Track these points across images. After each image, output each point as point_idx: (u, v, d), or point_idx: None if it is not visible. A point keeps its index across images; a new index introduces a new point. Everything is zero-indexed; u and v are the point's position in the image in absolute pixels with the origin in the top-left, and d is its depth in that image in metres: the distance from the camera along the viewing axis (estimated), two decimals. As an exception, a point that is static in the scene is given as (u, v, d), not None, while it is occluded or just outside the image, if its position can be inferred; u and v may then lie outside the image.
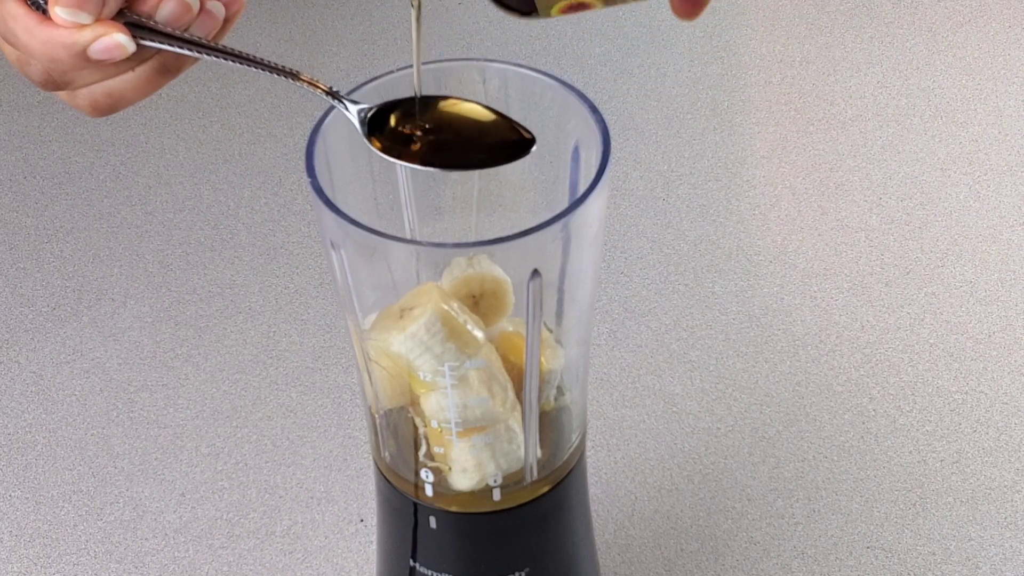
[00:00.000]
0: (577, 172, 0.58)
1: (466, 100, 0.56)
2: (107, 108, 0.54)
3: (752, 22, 1.27)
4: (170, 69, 0.53)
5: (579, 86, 0.57)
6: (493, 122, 0.55)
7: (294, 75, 0.53)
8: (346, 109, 0.54)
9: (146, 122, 1.16)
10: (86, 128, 1.16)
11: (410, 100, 0.56)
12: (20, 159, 1.13)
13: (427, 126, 0.55)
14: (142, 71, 0.53)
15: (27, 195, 1.09)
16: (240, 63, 0.52)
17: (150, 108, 1.17)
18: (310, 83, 0.53)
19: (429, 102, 0.56)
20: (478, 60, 0.58)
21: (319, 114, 0.57)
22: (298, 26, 1.27)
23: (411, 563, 0.65)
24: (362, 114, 0.54)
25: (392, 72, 0.57)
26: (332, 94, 0.54)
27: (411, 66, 0.56)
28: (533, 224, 0.52)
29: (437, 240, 0.62)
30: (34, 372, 0.95)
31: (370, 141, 0.54)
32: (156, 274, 1.02)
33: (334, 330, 0.96)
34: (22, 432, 0.90)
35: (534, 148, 0.54)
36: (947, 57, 1.21)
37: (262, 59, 0.53)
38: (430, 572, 0.65)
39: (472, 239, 0.60)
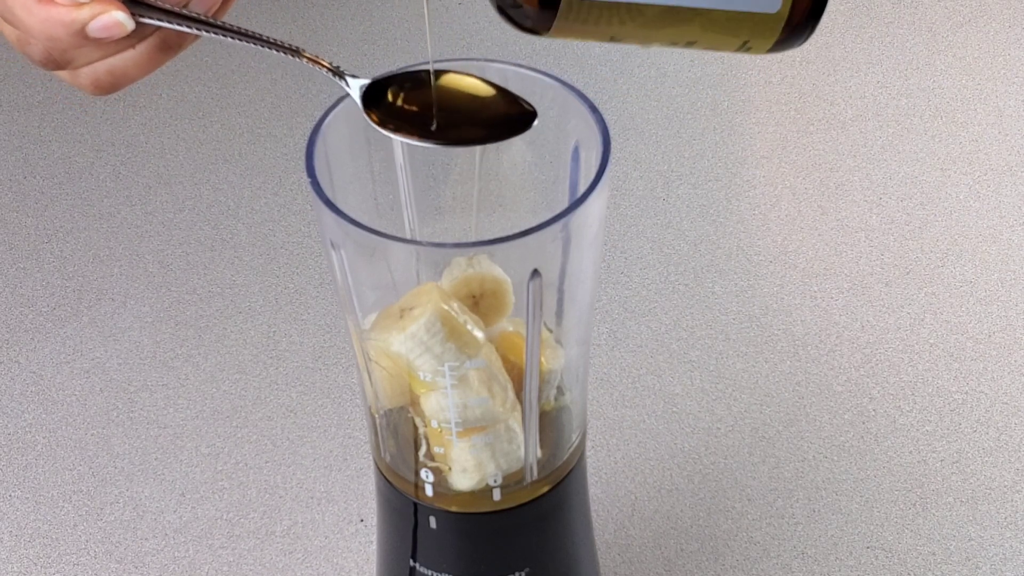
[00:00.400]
0: (577, 172, 0.58)
1: (467, 75, 0.55)
2: (109, 86, 0.53)
3: (752, 22, 1.27)
4: (171, 46, 0.53)
5: (579, 86, 0.57)
6: (493, 97, 0.55)
7: (296, 51, 0.53)
8: (347, 85, 0.54)
9: (146, 122, 1.16)
10: (86, 128, 1.16)
11: (410, 74, 0.55)
12: (20, 159, 1.13)
13: (428, 102, 0.55)
14: (143, 48, 0.52)
15: (27, 195, 1.09)
16: (240, 39, 0.52)
17: (150, 108, 1.17)
18: (312, 60, 0.53)
19: (428, 77, 0.56)
20: (478, 60, 0.58)
21: (319, 114, 0.57)
22: (298, 26, 1.27)
23: (411, 563, 0.65)
24: (363, 89, 0.54)
25: (392, 72, 0.57)
26: (334, 71, 0.54)
27: (415, 65, 0.56)
28: (533, 224, 0.52)
29: (437, 240, 0.62)
30: (34, 372, 0.95)
31: (369, 116, 0.54)
32: (156, 274, 1.02)
33: (334, 330, 0.96)
34: (22, 432, 0.90)
35: (536, 122, 0.54)
36: (947, 57, 1.21)
37: (263, 35, 0.52)
38: (430, 572, 0.65)
39: (472, 239, 0.60)
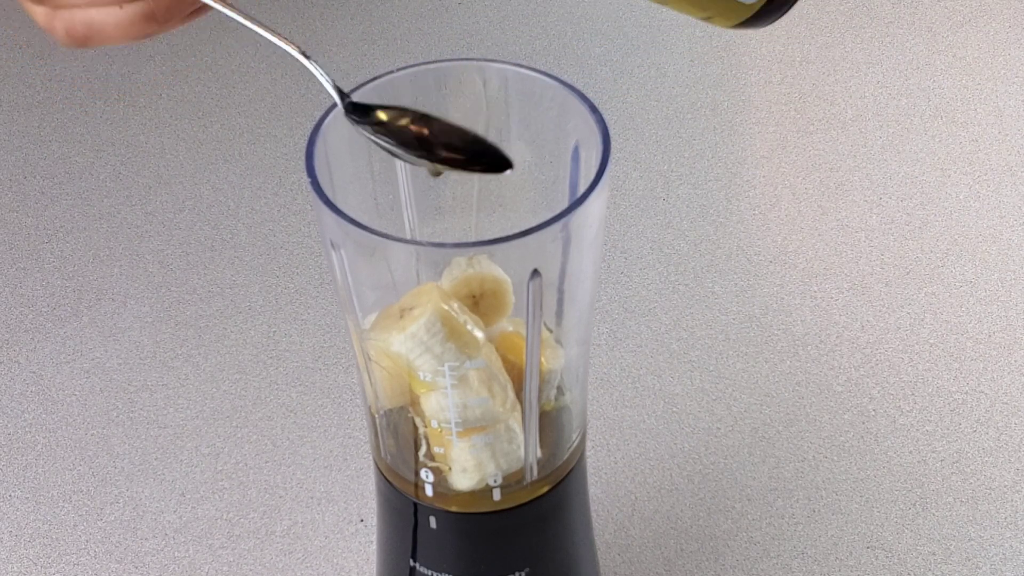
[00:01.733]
0: (577, 172, 0.58)
1: (452, 124, 0.55)
2: (82, 39, 0.52)
3: (752, 22, 1.27)
4: (157, 18, 0.52)
5: (579, 86, 0.57)
6: (475, 140, 0.55)
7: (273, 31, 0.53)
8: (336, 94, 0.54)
9: (146, 122, 1.16)
10: (86, 128, 1.16)
11: (400, 108, 0.55)
12: (20, 159, 1.13)
13: (416, 123, 0.55)
14: (129, 10, 0.51)
15: (27, 195, 1.09)
16: (238, 17, 0.52)
17: (150, 108, 1.17)
18: (283, 39, 0.53)
19: (417, 116, 0.55)
20: (478, 60, 0.58)
21: (319, 114, 0.57)
22: (298, 26, 1.27)
23: (411, 563, 0.65)
24: (347, 104, 0.55)
25: (392, 72, 0.57)
26: (303, 53, 0.54)
27: (410, 66, 0.56)
28: (533, 224, 0.52)
29: (437, 240, 0.62)
30: (34, 372, 0.95)
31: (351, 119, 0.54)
32: (156, 274, 1.02)
33: (334, 330, 0.96)
34: (22, 432, 0.90)
35: (509, 171, 0.54)
36: (947, 57, 1.21)
37: (260, 22, 0.52)
38: (430, 572, 0.65)
39: (472, 239, 0.60)
